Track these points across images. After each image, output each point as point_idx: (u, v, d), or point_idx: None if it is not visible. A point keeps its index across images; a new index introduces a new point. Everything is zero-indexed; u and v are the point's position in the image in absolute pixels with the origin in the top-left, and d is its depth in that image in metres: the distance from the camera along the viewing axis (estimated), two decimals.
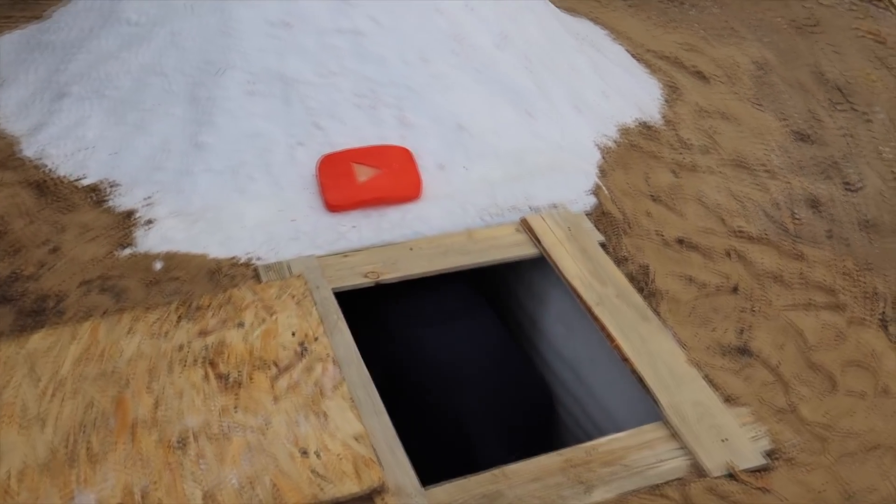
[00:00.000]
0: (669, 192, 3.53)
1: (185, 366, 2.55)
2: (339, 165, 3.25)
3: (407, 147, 3.37)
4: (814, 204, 3.60)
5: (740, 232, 3.34)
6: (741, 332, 2.84)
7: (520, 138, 3.55)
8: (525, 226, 3.20)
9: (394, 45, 3.54)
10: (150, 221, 3.14)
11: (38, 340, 2.63)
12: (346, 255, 3.04)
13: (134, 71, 3.55)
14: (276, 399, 2.46)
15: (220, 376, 2.52)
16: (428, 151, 3.40)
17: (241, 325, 2.69)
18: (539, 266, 3.18)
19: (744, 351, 2.77)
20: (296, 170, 3.29)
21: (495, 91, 3.63)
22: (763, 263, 3.16)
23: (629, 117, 3.99)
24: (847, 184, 3.77)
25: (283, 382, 2.51)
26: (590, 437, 2.90)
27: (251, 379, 2.52)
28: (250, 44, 3.47)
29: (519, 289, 3.45)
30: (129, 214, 3.19)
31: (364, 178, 3.24)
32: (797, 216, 3.50)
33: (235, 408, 2.43)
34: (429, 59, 3.57)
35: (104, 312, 2.78)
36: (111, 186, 3.29)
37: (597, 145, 3.71)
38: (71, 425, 2.37)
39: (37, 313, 2.79)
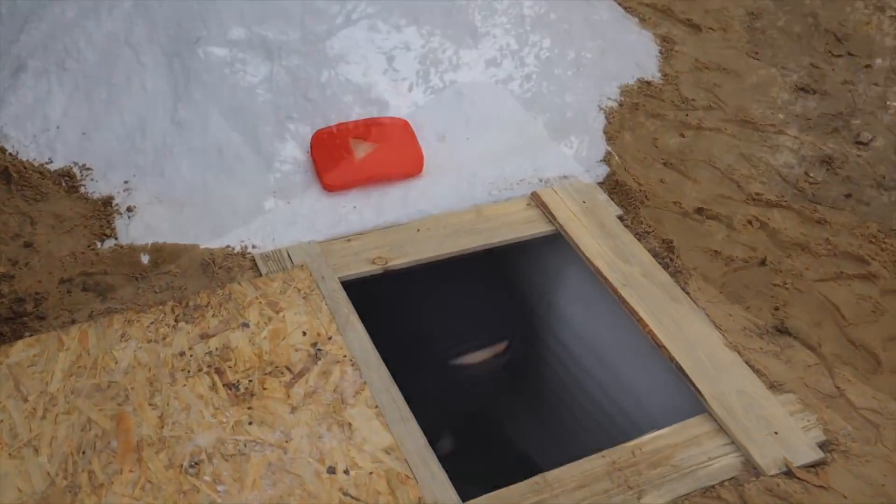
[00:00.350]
0: (680, 156, 3.36)
1: (188, 374, 2.33)
2: (334, 141, 3.01)
3: (404, 117, 3.13)
4: (827, 162, 3.45)
5: (758, 197, 3.17)
6: (776, 309, 2.69)
7: (521, 103, 3.33)
8: (537, 200, 3.00)
9: (383, 5, 3.28)
10: (130, 209, 2.88)
11: (20, 351, 2.38)
12: (348, 240, 2.82)
13: (98, 41, 3.24)
14: (293, 409, 2.25)
15: (228, 385, 2.30)
16: (427, 121, 3.16)
17: (245, 325, 2.47)
18: (551, 241, 2.98)
19: (781, 331, 2.62)
20: (287, 147, 3.04)
21: (492, 52, 3.39)
22: (786, 231, 3.01)
23: (629, 75, 3.78)
24: (857, 139, 3.62)
25: (299, 390, 2.30)
26: (621, 429, 2.76)
27: (263, 387, 2.30)
28: (228, 8, 3.18)
29: (529, 265, 3.25)
30: (107, 202, 2.92)
31: (362, 154, 3.00)
32: (812, 177, 3.35)
33: (250, 421, 2.22)
34: (420, 19, 3.32)
35: (91, 314, 2.54)
36: (83, 171, 3.01)
37: (600, 108, 3.50)
38: (68, 449, 2.14)
39: (15, 318, 2.53)
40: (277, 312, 2.51)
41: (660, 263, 2.81)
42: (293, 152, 3.02)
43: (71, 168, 3.01)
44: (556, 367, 3.21)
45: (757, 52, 4.23)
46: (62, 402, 2.24)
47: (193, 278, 2.68)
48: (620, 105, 3.58)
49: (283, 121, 3.05)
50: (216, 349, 2.39)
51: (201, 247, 2.78)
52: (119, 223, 2.85)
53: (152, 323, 2.47)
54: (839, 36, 4.40)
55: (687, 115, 3.63)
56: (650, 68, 3.91)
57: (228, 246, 2.78)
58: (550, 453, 2.93)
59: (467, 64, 3.33)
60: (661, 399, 2.62)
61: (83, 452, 2.13)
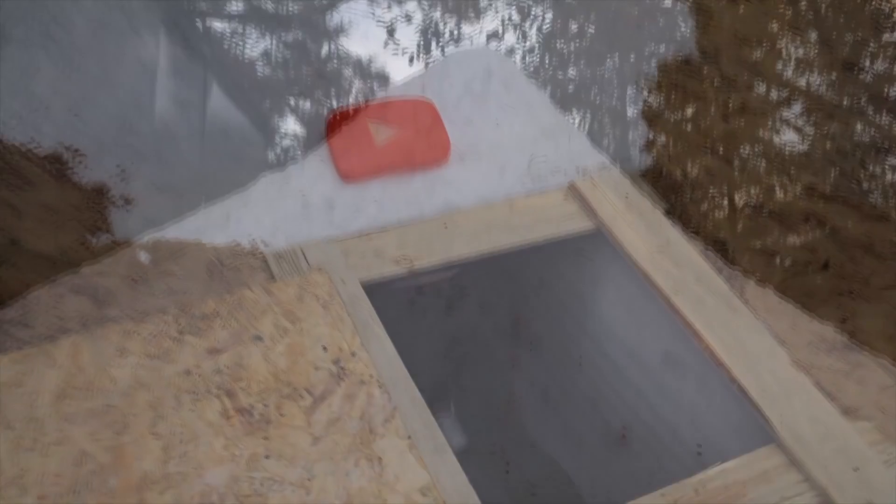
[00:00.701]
0: (725, 143, 3.08)
1: (196, 397, 2.06)
2: (353, 125, 2.73)
3: (428, 98, 2.84)
4: (882, 150, 3.18)
5: (812, 190, 2.91)
6: (843, 321, 2.44)
7: (554, 82, 3.05)
8: (575, 192, 2.73)
9: None
10: (127, 199, 2.59)
11: (4, 368, 2.10)
12: (369, 237, 2.55)
13: (88, 8, 2.93)
14: (315, 440, 1.99)
15: (241, 410, 2.04)
16: (452, 103, 2.89)
17: (258, 338, 2.20)
18: (590, 236, 2.71)
19: (851, 346, 2.36)
20: (300, 129, 2.76)
21: (521, 26, 3.10)
22: (847, 230, 2.75)
23: (665, 51, 3.49)
24: None
25: (321, 416, 2.04)
26: (672, 453, 2.52)
27: (281, 413, 2.04)
28: None
29: (564, 261, 2.99)
30: (101, 191, 2.62)
31: (383, 139, 2.72)
32: (868, 166, 3.08)
33: (266, 454, 1.96)
34: None
35: (84, 323, 2.26)
36: (74, 155, 2.71)
37: (638, 87, 3.22)
38: (59, 489, 1.88)
39: None
40: (294, 323, 2.24)
41: (713, 267, 2.54)
42: (307, 135, 2.74)
43: (59, 152, 2.71)
44: (593, 376, 2.96)
45: (798, 24, 3.93)
46: (52, 431, 1.97)
47: (198, 281, 2.40)
48: (659, 85, 3.30)
49: (296, 98, 2.78)
50: (226, 367, 2.13)
51: (206, 243, 2.50)
52: (114, 215, 2.56)
53: (154, 335, 2.19)
54: (887, 8, 4.11)
55: (729, 96, 3.35)
56: (688, 43, 3.62)
57: (236, 243, 2.51)
58: (581, 464, 2.70)
59: (494, 31, 3.04)
60: (721, 421, 2.37)
61: (77, 492, 1.87)
